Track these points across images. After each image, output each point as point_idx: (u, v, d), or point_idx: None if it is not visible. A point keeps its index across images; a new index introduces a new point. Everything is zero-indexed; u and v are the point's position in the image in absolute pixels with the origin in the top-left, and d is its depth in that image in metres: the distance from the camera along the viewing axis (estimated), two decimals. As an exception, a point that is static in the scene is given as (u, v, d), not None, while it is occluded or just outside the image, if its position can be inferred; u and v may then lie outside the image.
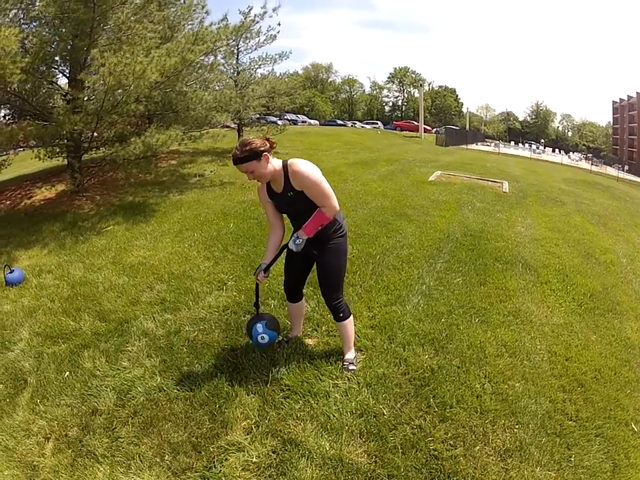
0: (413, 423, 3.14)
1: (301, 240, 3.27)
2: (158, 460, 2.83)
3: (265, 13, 14.82)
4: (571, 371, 3.97)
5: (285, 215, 3.55)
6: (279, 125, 20.71)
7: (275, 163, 3.30)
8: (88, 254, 6.58)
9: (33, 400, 3.49)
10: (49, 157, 10.21)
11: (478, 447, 2.97)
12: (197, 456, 2.85)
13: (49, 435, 3.13)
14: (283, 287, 4.11)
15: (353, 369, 3.69)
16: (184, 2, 11.62)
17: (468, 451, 2.93)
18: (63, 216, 8.64)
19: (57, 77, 10.06)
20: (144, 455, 2.88)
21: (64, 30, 8.71)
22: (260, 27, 15.07)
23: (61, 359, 3.98)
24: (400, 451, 2.88)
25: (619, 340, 4.71)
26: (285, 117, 37.17)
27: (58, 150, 10.17)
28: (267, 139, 3.30)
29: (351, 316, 3.74)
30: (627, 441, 3.23)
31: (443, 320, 4.55)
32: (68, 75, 9.94)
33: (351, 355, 3.78)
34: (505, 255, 6.73)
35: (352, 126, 60.09)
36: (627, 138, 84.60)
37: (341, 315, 3.63)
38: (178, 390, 3.45)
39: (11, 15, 8.81)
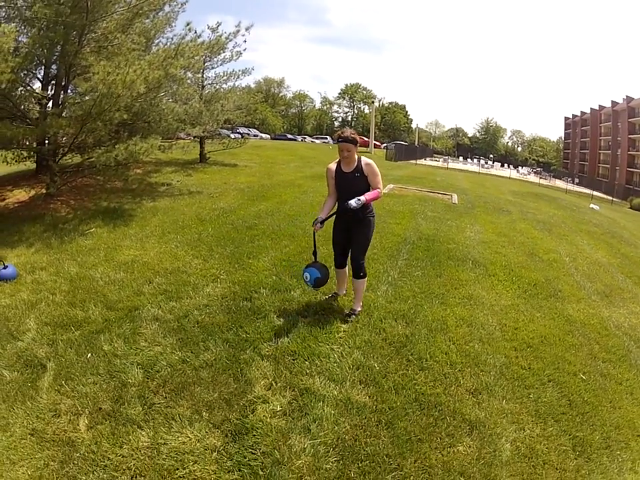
0: (399, 372, 3.98)
1: (361, 202, 4.42)
2: (197, 417, 3.29)
3: (238, 31, 15.23)
4: (520, 336, 4.91)
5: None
6: (232, 138, 21.03)
7: (355, 155, 4.64)
8: (78, 252, 6.87)
9: (56, 382, 3.69)
10: (16, 161, 10.23)
11: (453, 387, 3.85)
12: (230, 409, 3.38)
13: (81, 412, 3.34)
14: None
15: (353, 317, 4.87)
16: (158, 15, 11.97)
17: (446, 390, 3.79)
18: (41, 218, 8.81)
19: (34, 80, 10.20)
20: (183, 415, 3.30)
21: (54, 34, 8.89)
22: (228, 43, 15.35)
23: (78, 344, 4.25)
24: (394, 391, 3.69)
25: (561, 317, 5.66)
26: (238, 131, 37.19)
27: (26, 154, 10.27)
28: None
29: (366, 276, 4.96)
30: (577, 385, 4.15)
31: (409, 301, 5.44)
32: (42, 79, 10.14)
33: (359, 307, 5.02)
34: (457, 254, 7.63)
35: (302, 140, 61.20)
36: (579, 152, 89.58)
37: (362, 274, 4.86)
38: (200, 360, 3.99)
39: (2, 13, 9.00)
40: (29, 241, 7.64)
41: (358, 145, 4.64)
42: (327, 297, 5.30)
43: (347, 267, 5.15)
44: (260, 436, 3.13)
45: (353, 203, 4.40)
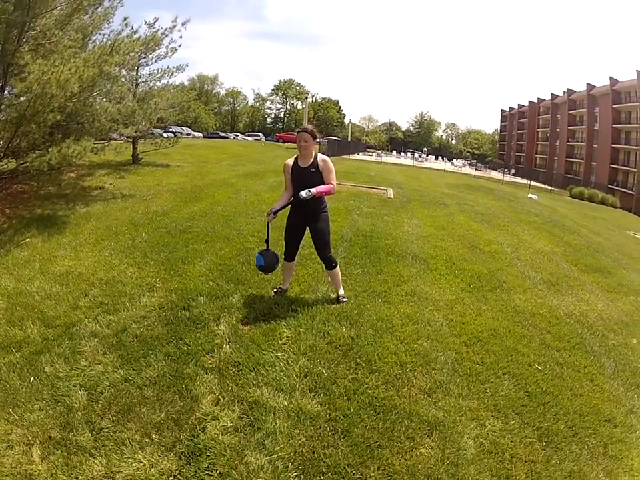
0: (348, 377, 3.89)
1: (311, 193, 4.61)
2: (147, 440, 3.14)
3: (174, 26, 14.83)
4: (468, 331, 4.92)
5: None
6: (164, 137, 20.67)
7: (312, 150, 4.85)
8: (14, 266, 6.56)
9: (4, 410, 3.51)
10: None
11: (406, 389, 3.80)
12: (180, 429, 3.22)
13: (32, 442, 3.18)
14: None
15: (345, 300, 5.27)
16: (97, 10, 11.50)
17: (399, 392, 3.73)
18: (-23, 230, 8.35)
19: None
20: (132, 439, 3.15)
21: None
22: (164, 39, 14.93)
23: (20, 367, 4.04)
24: (345, 397, 3.61)
25: (508, 308, 5.74)
26: (170, 130, 36.57)
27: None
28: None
29: (337, 265, 5.23)
30: (534, 376, 4.18)
31: (351, 302, 5.34)
32: None
33: (342, 291, 5.36)
34: (396, 250, 7.63)
35: (234, 138, 61.51)
36: (515, 144, 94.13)
37: (333, 264, 5.14)
38: (143, 378, 3.80)
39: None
40: (-34, 255, 7.20)
41: (317, 140, 4.88)
42: (274, 291, 5.42)
43: (295, 262, 5.45)
44: (214, 456, 3.00)
45: (303, 193, 4.59)
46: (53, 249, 7.35)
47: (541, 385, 4.03)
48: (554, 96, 79.01)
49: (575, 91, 72.05)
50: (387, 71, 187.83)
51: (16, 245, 7.59)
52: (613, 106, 60.21)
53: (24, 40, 9.09)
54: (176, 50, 15.93)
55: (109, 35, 11.66)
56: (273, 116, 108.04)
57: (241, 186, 13.68)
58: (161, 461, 2.98)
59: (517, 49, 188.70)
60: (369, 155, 61.11)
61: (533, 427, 3.47)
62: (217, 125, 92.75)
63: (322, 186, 4.76)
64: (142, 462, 2.96)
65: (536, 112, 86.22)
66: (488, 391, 3.87)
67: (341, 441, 3.16)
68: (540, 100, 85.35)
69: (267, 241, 5.07)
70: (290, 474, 2.88)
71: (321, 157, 4.90)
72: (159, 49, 15.39)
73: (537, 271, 7.53)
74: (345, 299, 5.27)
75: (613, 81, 60.92)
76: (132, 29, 11.71)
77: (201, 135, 60.75)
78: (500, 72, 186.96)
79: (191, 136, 51.65)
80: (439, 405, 3.62)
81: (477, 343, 4.66)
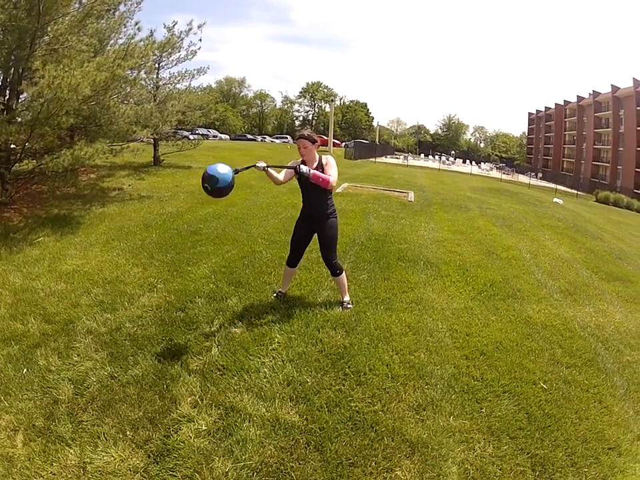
0: (333, 387, 3.74)
1: (308, 171, 4.51)
2: (121, 436, 3.19)
3: (190, 29, 15.00)
4: (472, 343, 4.65)
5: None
6: (190, 139, 20.76)
7: (315, 153, 4.81)
8: (24, 263, 6.70)
9: None
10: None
11: (393, 404, 3.60)
12: (155, 429, 3.24)
13: (18, 428, 3.32)
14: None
15: (350, 307, 5.16)
16: (114, 15, 11.67)
17: (385, 407, 3.55)
18: (-6, 228, 8.55)
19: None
20: (108, 433, 3.21)
21: (9, 38, 8.70)
22: (182, 42, 15.14)
23: (17, 359, 4.17)
24: (326, 409, 3.47)
25: (519, 319, 5.43)
26: (197, 132, 36.94)
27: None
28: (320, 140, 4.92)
29: (343, 271, 5.15)
30: (537, 396, 3.86)
31: (352, 308, 5.17)
32: (0, 84, 9.81)
33: (347, 297, 5.24)
34: (408, 255, 7.43)
35: (262, 140, 61.81)
36: (542, 147, 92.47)
37: (337, 271, 5.06)
38: (128, 376, 3.83)
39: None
40: (-20, 252, 7.41)
41: (317, 143, 4.82)
42: (274, 295, 5.35)
43: (297, 268, 5.36)
44: (181, 458, 2.98)
45: (303, 169, 4.51)
46: (63, 247, 7.46)
47: (544, 406, 3.73)
48: (580, 98, 77.42)
49: (600, 93, 70.45)
50: (415, 74, 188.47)
51: (29, 244, 7.74)
52: (637, 108, 58.40)
53: (37, 46, 9.25)
54: (195, 53, 16.08)
55: (126, 40, 11.88)
56: (301, 118, 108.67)
57: (260, 188, 13.66)
58: (130, 457, 3.03)
59: (546, 49, 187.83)
60: (397, 158, 60.82)
61: (528, 453, 3.17)
62: (245, 127, 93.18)
63: (320, 174, 4.62)
64: (113, 456, 3.03)
65: (562, 114, 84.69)
66: (483, 410, 3.59)
67: (313, 455, 3.04)
68: (566, 102, 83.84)
69: (235, 171, 4.71)
70: (253, 484, 2.81)
71: (324, 157, 4.86)
72: (178, 52, 15.63)
73: (554, 279, 7.22)
74: (350, 306, 5.15)
75: (637, 82, 59.15)
76: (151, 32, 12.02)
77: (227, 137, 60.99)
78: (528, 73, 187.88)
79: (217, 138, 52.21)
80: (426, 423, 3.40)
81: (479, 356, 4.39)
